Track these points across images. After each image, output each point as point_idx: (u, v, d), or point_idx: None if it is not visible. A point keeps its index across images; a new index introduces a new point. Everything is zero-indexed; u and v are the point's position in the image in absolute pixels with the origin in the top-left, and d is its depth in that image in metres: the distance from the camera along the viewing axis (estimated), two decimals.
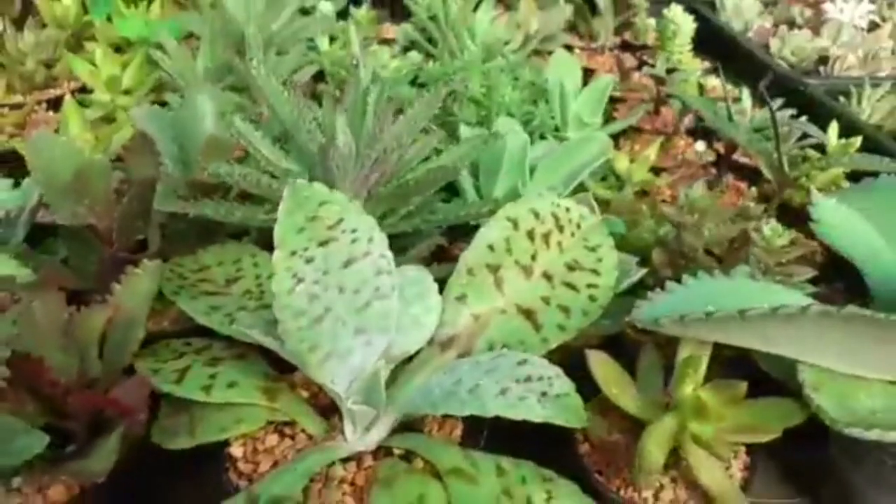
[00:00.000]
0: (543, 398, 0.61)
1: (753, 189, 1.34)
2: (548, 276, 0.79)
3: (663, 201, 1.19)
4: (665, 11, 1.72)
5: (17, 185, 0.94)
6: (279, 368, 0.79)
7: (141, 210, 0.85)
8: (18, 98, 1.54)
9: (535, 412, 0.59)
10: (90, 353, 0.73)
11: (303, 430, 0.74)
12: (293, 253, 0.64)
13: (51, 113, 1.50)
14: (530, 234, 0.79)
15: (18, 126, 1.42)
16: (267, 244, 0.80)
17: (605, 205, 1.21)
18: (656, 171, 1.33)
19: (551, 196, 0.81)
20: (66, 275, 0.86)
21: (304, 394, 0.78)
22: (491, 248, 0.78)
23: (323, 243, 0.66)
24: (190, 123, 0.98)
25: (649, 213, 1.12)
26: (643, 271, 0.85)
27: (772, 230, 0.78)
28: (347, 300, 0.68)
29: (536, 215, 0.80)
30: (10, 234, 0.89)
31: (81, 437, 0.74)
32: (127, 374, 0.75)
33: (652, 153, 1.25)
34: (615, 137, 1.41)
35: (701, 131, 1.52)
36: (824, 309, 0.61)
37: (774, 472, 0.85)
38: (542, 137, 1.34)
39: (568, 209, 0.82)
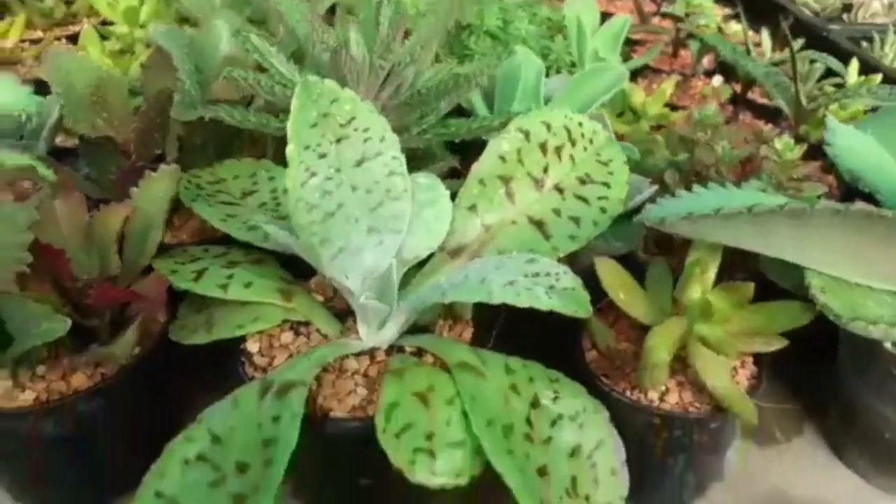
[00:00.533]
0: (551, 290, 0.62)
1: (770, 126, 1.33)
2: (559, 189, 0.80)
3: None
4: None
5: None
6: (295, 276, 0.81)
7: (158, 122, 0.86)
8: (38, 34, 1.55)
9: (542, 301, 0.60)
10: (110, 251, 0.75)
11: (317, 330, 0.76)
12: (307, 147, 0.65)
13: (70, 45, 1.52)
14: (543, 147, 0.80)
15: (38, 59, 1.43)
16: (282, 161, 0.81)
17: (620, 138, 1.21)
18: (673, 108, 1.32)
19: (564, 110, 0.81)
20: (85, 184, 0.88)
21: (319, 298, 0.80)
22: (503, 158, 0.79)
23: (336, 140, 0.67)
24: (207, 46, 0.98)
25: (664, 143, 1.12)
26: (655, 188, 0.85)
27: (784, 144, 0.78)
28: (360, 199, 0.69)
29: (549, 127, 0.80)
30: (33, 147, 0.91)
31: (103, 336, 0.76)
32: (145, 275, 0.77)
33: (668, 87, 1.25)
34: (632, 77, 1.40)
35: (720, 72, 1.51)
36: (833, 206, 0.61)
37: (780, 385, 0.86)
38: (559, 72, 1.34)
39: (581, 123, 0.82)
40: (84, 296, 0.71)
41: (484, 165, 0.78)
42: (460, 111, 1.03)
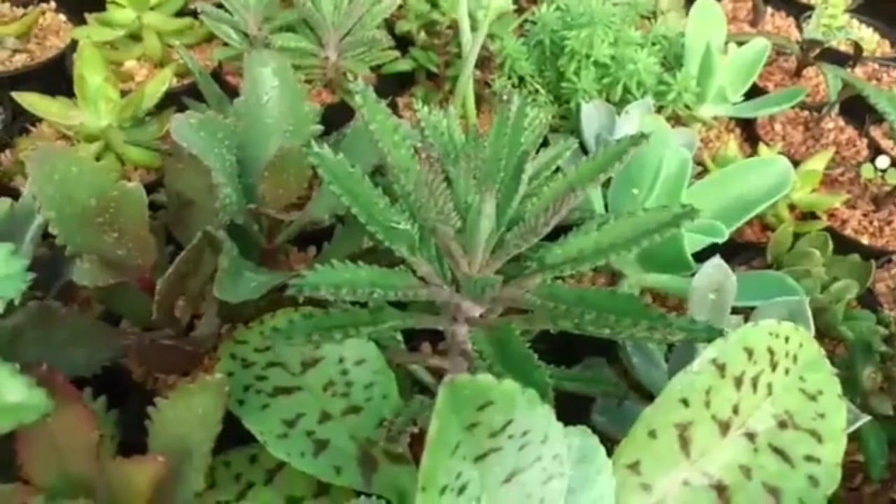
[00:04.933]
0: None
1: None
2: (750, 436, 0.57)
3: (830, 230, 0.95)
4: None
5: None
6: None
7: (192, 272, 0.62)
8: None
9: None
10: None
11: None
12: (443, 489, 0.42)
13: (61, 17, 1.22)
14: (738, 381, 0.57)
15: (22, 36, 1.14)
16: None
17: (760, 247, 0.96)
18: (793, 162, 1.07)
19: (771, 324, 0.58)
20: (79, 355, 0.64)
21: None
22: (685, 402, 0.56)
23: (480, 457, 0.44)
24: (253, 133, 0.73)
25: (820, 257, 0.89)
26: (865, 420, 0.63)
27: None
28: None
29: (750, 355, 0.57)
30: None
31: None
32: None
33: (820, 165, 0.99)
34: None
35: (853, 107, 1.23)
36: None
37: None
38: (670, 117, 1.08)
39: (787, 339, 0.59)
40: None
41: (658, 413, 0.56)
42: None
